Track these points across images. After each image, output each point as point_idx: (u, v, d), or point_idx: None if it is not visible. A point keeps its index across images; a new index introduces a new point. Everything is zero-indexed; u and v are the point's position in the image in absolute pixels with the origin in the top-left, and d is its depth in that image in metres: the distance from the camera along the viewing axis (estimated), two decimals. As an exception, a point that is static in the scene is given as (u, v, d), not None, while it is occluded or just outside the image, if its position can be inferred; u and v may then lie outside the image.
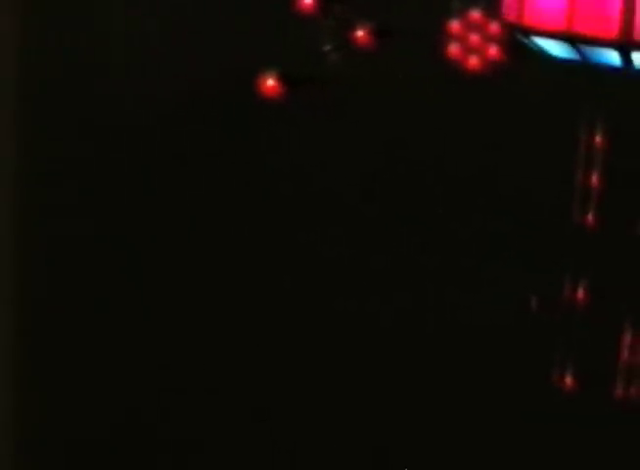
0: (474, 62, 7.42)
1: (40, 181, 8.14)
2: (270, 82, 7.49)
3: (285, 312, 7.97)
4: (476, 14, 7.28)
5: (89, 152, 8.22)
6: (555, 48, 6.19)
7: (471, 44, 7.38)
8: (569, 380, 6.56)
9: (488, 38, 7.29)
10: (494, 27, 7.22)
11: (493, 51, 7.36)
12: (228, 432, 8.11)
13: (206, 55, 8.25)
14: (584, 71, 6.23)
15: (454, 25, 7.37)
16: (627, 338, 6.41)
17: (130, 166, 8.15)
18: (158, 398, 8.08)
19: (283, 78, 7.49)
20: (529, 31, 6.25)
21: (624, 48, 5.86)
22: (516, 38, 6.61)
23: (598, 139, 6.42)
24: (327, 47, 7.57)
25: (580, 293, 6.44)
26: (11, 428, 7.94)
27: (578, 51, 6.06)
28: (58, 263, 8.09)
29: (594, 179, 6.49)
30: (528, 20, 6.18)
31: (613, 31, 5.81)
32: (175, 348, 8.10)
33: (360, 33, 7.47)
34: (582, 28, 5.91)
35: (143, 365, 8.03)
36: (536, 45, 6.32)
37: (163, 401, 8.09)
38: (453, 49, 7.45)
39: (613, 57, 5.96)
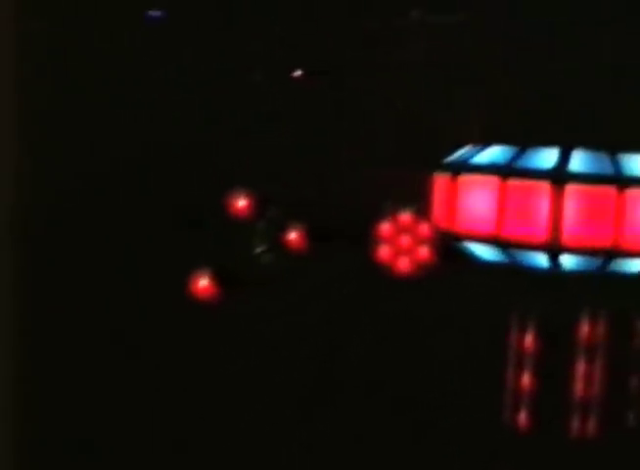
0: (404, 263, 7.58)
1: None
2: (203, 282, 7.55)
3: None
4: (406, 216, 7.49)
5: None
6: (485, 252, 6.33)
7: (401, 246, 7.56)
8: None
9: (419, 240, 7.48)
10: (424, 229, 7.42)
11: (424, 252, 7.54)
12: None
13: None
14: (514, 273, 6.37)
15: (384, 228, 7.56)
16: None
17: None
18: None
19: (216, 278, 7.55)
20: (459, 236, 6.39)
21: (552, 251, 6.02)
22: (446, 240, 6.76)
23: (528, 340, 6.50)
24: (260, 249, 7.69)
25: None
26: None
27: (508, 254, 6.20)
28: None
29: (525, 379, 6.54)
30: (458, 225, 6.33)
31: (541, 235, 5.98)
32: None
33: (293, 235, 7.62)
34: (511, 233, 6.07)
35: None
36: (466, 248, 6.45)
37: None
38: (383, 251, 7.62)
39: (541, 259, 6.11)
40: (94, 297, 7.86)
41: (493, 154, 6.33)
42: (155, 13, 8.32)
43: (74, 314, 7.87)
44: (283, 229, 7.60)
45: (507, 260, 6.25)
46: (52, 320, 7.89)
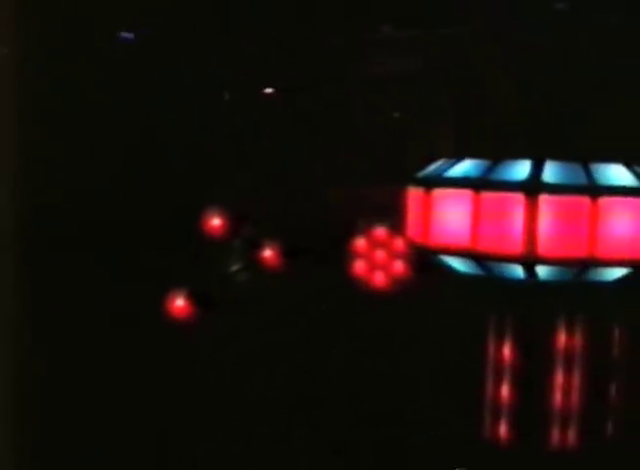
0: (379, 278, 7.58)
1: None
2: (179, 302, 7.52)
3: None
4: (380, 231, 7.49)
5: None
6: (460, 264, 6.35)
7: (376, 261, 7.56)
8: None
9: (394, 255, 7.48)
10: (399, 244, 7.43)
11: (399, 267, 7.54)
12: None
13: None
14: (490, 285, 6.39)
15: (359, 243, 7.56)
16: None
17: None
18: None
19: (192, 298, 7.53)
20: (435, 251, 6.40)
21: (528, 262, 6.04)
22: (422, 254, 6.77)
23: (506, 351, 6.51)
24: (235, 267, 7.67)
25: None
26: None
27: (483, 267, 6.22)
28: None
29: (504, 391, 6.55)
30: (433, 239, 6.34)
31: (516, 247, 6.00)
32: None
33: (268, 253, 7.61)
34: (486, 246, 6.09)
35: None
36: (442, 261, 6.46)
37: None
38: (359, 266, 7.62)
39: (517, 271, 6.13)
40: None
41: (466, 167, 6.35)
42: (128, 34, 8.33)
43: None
44: (258, 247, 7.59)
45: (483, 272, 6.26)
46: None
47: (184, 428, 7.83)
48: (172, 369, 7.86)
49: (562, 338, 6.34)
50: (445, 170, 6.40)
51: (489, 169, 6.20)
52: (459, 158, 6.45)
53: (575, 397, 6.38)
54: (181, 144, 8.23)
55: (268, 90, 8.20)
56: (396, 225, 7.08)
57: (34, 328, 7.97)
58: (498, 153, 6.28)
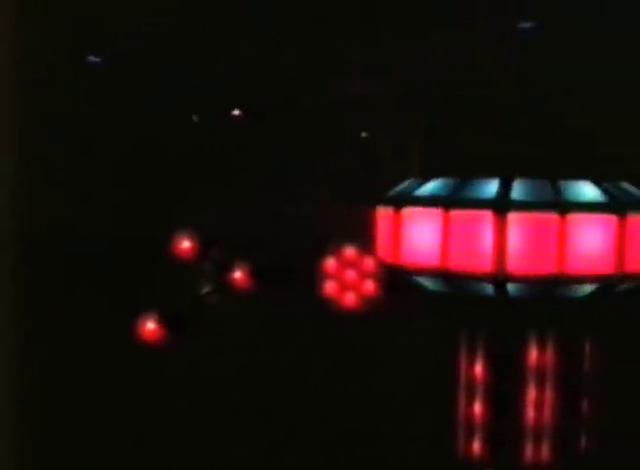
0: (350, 298, 7.59)
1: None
2: (150, 325, 7.49)
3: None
4: (350, 250, 7.51)
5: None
6: (431, 283, 6.37)
7: (347, 281, 7.58)
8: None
9: (364, 274, 7.50)
10: (369, 263, 7.44)
11: (369, 287, 7.56)
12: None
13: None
14: (460, 302, 6.41)
15: (329, 263, 7.57)
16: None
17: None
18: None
19: (162, 321, 7.50)
20: (405, 270, 6.42)
21: (498, 280, 6.07)
22: (392, 273, 6.78)
23: (478, 368, 6.53)
24: (205, 290, 7.66)
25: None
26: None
27: (454, 284, 6.24)
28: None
29: (476, 408, 6.57)
30: (403, 258, 6.35)
31: (486, 265, 6.03)
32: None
33: (238, 275, 7.60)
34: (456, 264, 6.11)
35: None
36: (413, 280, 6.48)
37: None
38: (329, 287, 7.63)
39: (487, 288, 6.16)
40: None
41: (435, 186, 6.37)
42: (95, 58, 8.32)
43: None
44: (227, 269, 7.58)
45: (453, 290, 6.29)
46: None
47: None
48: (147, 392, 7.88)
49: (533, 353, 6.37)
50: (414, 189, 6.42)
51: (458, 188, 6.23)
52: (428, 177, 6.48)
53: (548, 412, 6.41)
54: (147, 167, 8.23)
55: (235, 112, 8.21)
56: (366, 245, 7.10)
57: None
58: (466, 171, 6.31)
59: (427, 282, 6.38)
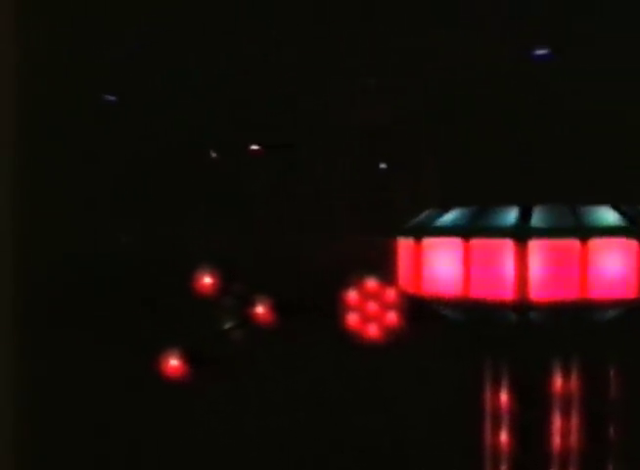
0: (373, 330, 7.58)
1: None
2: (173, 362, 7.49)
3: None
4: (372, 282, 7.51)
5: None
6: (453, 312, 6.37)
7: (369, 313, 7.57)
8: None
9: (386, 306, 7.50)
10: (391, 294, 7.45)
11: (392, 318, 7.55)
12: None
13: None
14: (484, 331, 6.41)
15: (351, 296, 7.58)
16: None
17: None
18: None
19: (186, 357, 7.50)
20: (427, 300, 6.43)
21: (521, 307, 6.07)
22: (414, 303, 6.80)
23: (503, 397, 6.51)
24: (228, 325, 7.66)
25: None
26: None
27: (476, 313, 6.24)
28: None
29: (503, 438, 6.54)
30: (425, 288, 6.37)
31: (508, 293, 6.03)
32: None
33: (260, 310, 7.60)
34: (478, 293, 6.12)
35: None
36: (435, 309, 6.49)
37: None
38: (351, 319, 7.63)
39: (509, 316, 6.16)
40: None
41: (454, 216, 6.41)
42: (110, 97, 8.40)
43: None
44: (250, 304, 7.59)
45: (475, 318, 6.29)
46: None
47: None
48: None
49: (557, 380, 6.35)
50: (434, 219, 6.45)
51: (477, 216, 6.25)
52: (447, 207, 6.51)
53: (574, 438, 6.38)
54: (165, 205, 8.28)
55: (254, 147, 8.25)
56: (388, 276, 7.10)
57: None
58: (485, 200, 6.33)
59: (449, 311, 6.39)
